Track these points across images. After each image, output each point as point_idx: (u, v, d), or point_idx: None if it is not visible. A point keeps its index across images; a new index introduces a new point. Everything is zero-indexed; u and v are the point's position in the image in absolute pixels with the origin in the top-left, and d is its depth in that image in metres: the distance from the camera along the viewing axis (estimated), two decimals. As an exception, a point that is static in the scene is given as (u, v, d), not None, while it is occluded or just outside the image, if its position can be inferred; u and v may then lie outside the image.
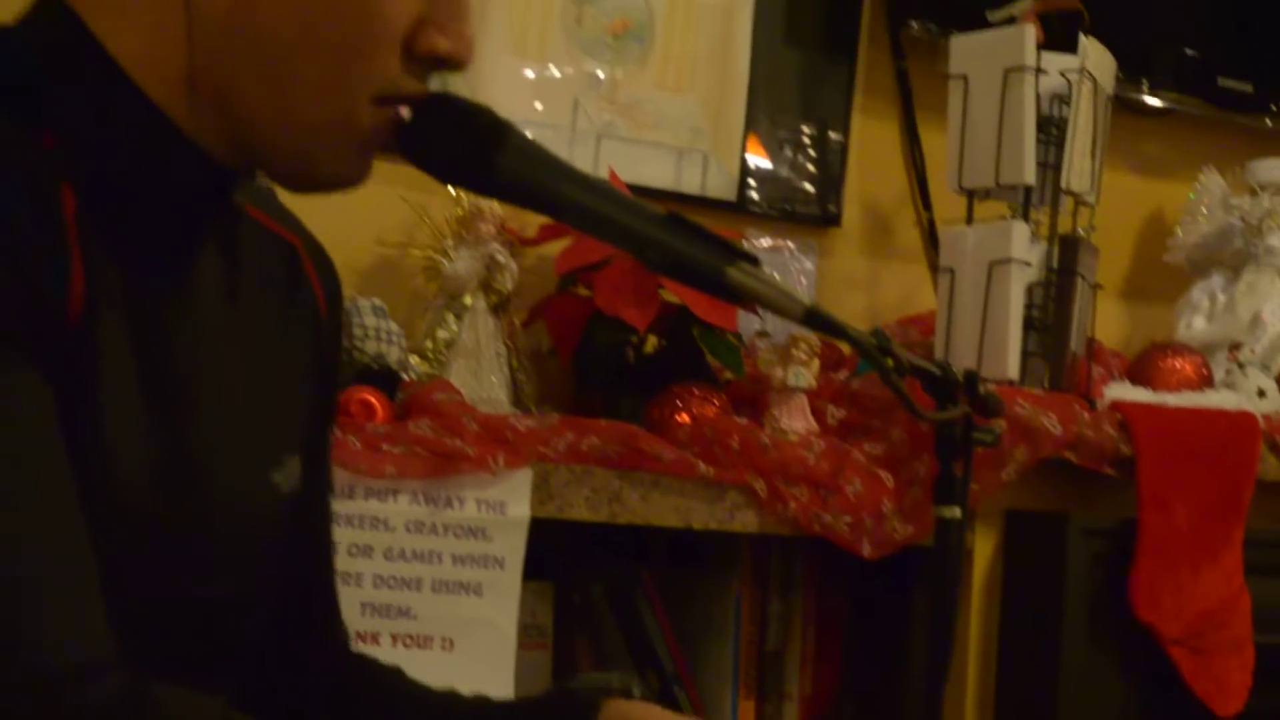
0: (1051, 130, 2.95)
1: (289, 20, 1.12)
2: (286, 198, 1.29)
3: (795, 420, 2.76)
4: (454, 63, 1.19)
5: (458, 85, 2.84)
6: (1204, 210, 3.44)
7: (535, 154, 1.20)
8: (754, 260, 1.19)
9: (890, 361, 1.29)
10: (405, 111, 1.17)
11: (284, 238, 1.37)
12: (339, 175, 1.19)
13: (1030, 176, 2.87)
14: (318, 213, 2.48)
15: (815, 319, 1.22)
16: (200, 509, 1.18)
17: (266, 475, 1.27)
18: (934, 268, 3.27)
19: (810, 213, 3.34)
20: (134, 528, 1.09)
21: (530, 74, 3.05)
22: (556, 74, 3.06)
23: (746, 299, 1.19)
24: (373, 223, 2.80)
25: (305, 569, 1.42)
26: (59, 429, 1.01)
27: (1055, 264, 2.95)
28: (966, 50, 2.96)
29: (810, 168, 3.34)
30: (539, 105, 3.04)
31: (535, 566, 2.52)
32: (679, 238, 1.18)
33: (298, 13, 1.12)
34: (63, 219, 1.05)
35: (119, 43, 1.13)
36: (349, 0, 1.12)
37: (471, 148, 1.18)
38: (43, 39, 1.14)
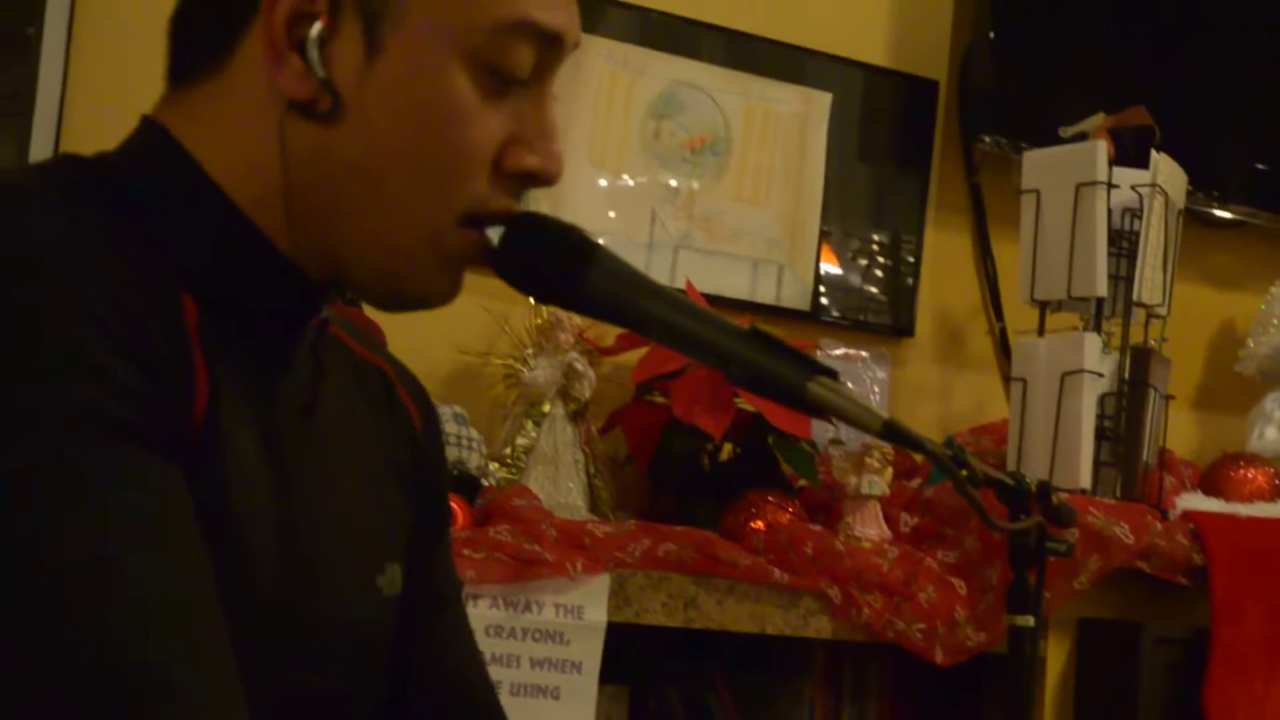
0: (1123, 243, 2.97)
1: (379, 147, 1.15)
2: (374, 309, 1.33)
3: (869, 527, 2.77)
4: (544, 180, 1.22)
5: (539, 196, 2.90)
6: (1275, 321, 3.44)
7: (622, 272, 1.22)
8: (833, 374, 1.21)
9: (965, 472, 1.30)
10: (494, 233, 1.20)
11: (373, 362, 1.41)
12: (429, 294, 1.22)
13: (1102, 289, 2.88)
14: (400, 322, 2.53)
15: (893, 432, 1.23)
16: (313, 608, 1.20)
17: (372, 579, 1.30)
18: (1006, 378, 3.28)
19: (884, 323, 3.36)
20: (256, 624, 1.12)
21: (609, 186, 3.09)
22: (635, 186, 3.11)
23: (826, 413, 1.20)
24: (454, 331, 2.84)
25: (466, 668, 1.44)
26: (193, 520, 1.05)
27: (1127, 375, 2.95)
28: (1039, 165, 2.99)
29: (884, 279, 3.37)
30: (617, 216, 3.09)
31: (612, 671, 2.52)
32: (761, 353, 1.19)
33: (388, 140, 1.15)
34: (185, 325, 1.08)
35: (216, 165, 1.17)
36: (438, 127, 1.16)
37: (560, 266, 1.21)
38: (146, 162, 1.18)
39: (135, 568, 0.99)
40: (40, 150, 2.64)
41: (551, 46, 1.21)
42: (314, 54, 1.14)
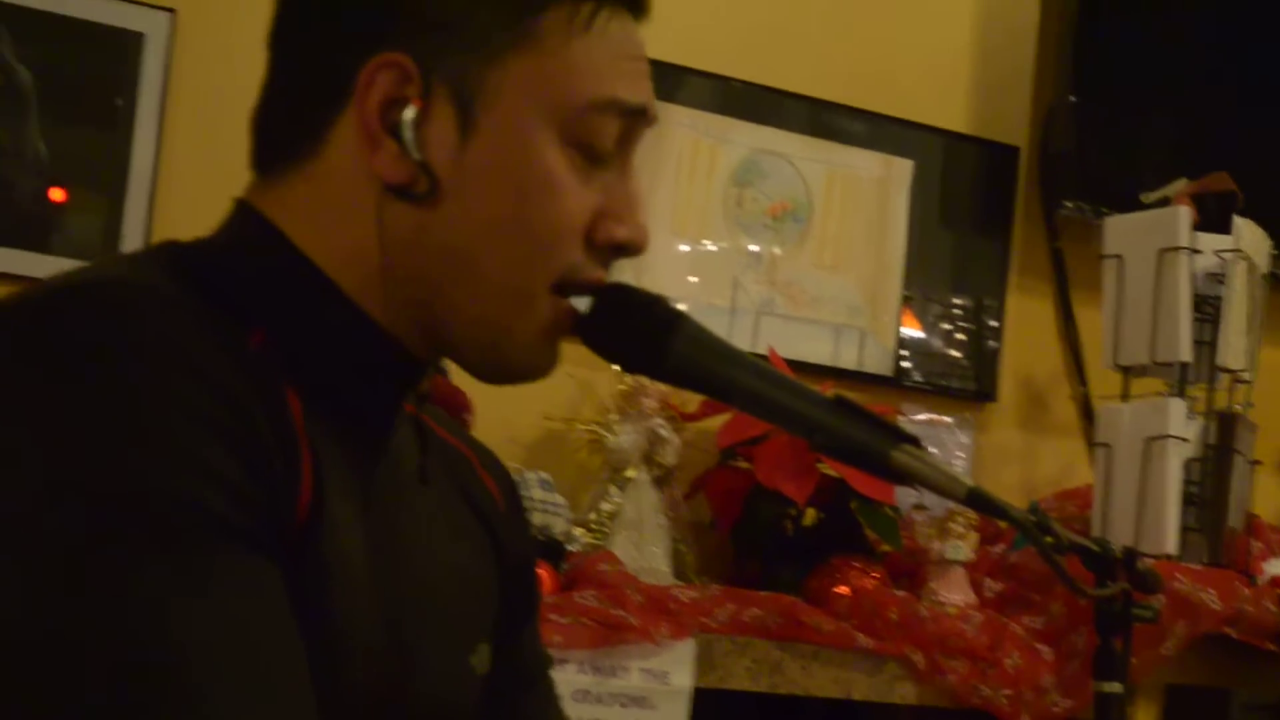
0: (1207, 308, 2.95)
1: (477, 225, 1.17)
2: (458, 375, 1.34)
3: (953, 593, 2.75)
4: (632, 250, 1.23)
5: (625, 264, 2.91)
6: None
7: (707, 341, 1.23)
8: (917, 442, 1.21)
9: (1049, 538, 1.29)
10: (580, 302, 1.22)
11: (453, 443, 1.42)
12: (529, 366, 1.23)
13: (1186, 354, 2.86)
14: (487, 389, 2.55)
15: (977, 500, 1.23)
16: (409, 693, 1.21)
17: (465, 660, 1.31)
18: (1090, 443, 3.26)
19: (966, 388, 3.35)
20: (351, 710, 1.13)
21: (692, 251, 3.10)
22: (717, 252, 3.12)
23: (910, 481, 1.20)
24: (539, 398, 2.85)
25: None
26: (292, 619, 1.06)
27: (1213, 440, 2.93)
28: (1121, 231, 2.98)
29: (966, 343, 3.36)
30: (700, 282, 3.10)
31: (696, 736, 2.52)
32: (845, 421, 1.19)
33: (486, 217, 1.17)
34: (292, 422, 1.10)
35: (316, 248, 1.18)
36: (534, 202, 1.17)
37: (646, 337, 1.22)
38: (244, 246, 1.20)
39: (233, 669, 1.00)
40: (133, 221, 2.68)
41: (635, 122, 1.23)
42: (409, 137, 1.16)
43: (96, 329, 1.03)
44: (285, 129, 1.21)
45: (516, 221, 1.17)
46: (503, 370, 1.24)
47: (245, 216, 1.21)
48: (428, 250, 1.17)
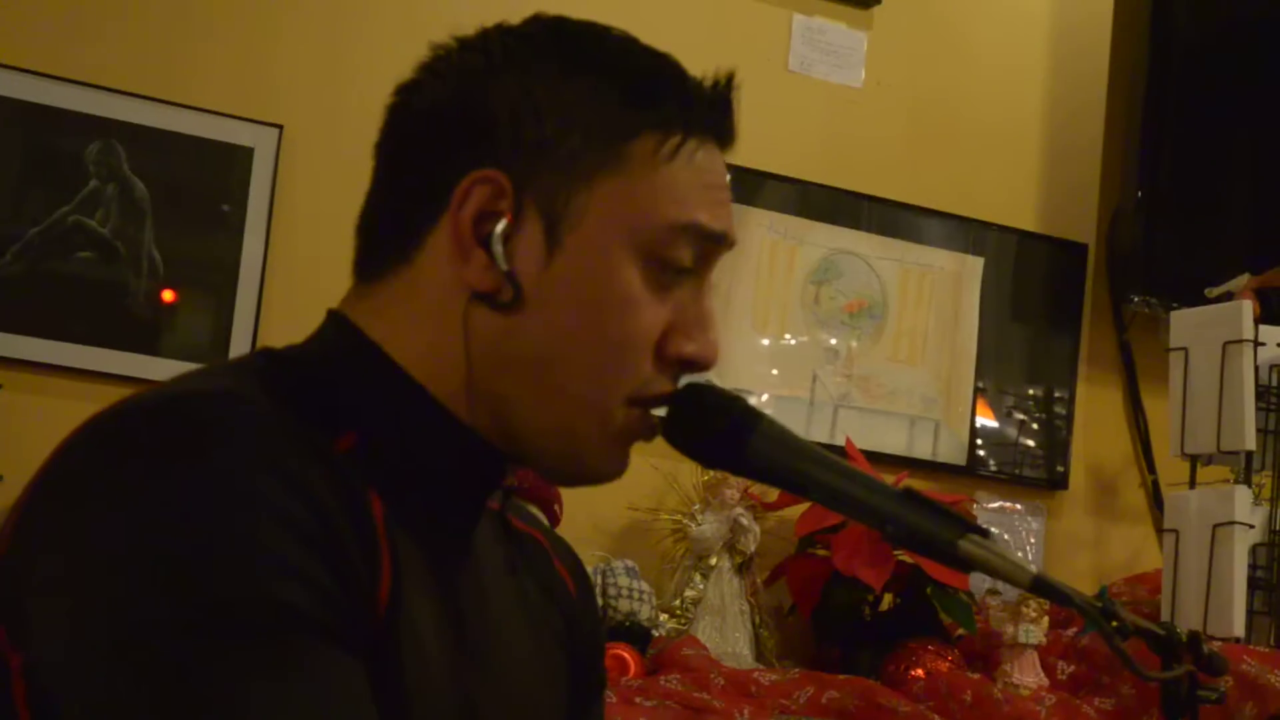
0: (1270, 398, 2.95)
1: (557, 334, 1.19)
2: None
3: (1026, 675, 2.75)
4: (700, 365, 1.25)
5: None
6: None
7: (783, 439, 1.24)
8: (984, 532, 1.22)
9: (1114, 623, 1.30)
10: (657, 412, 1.24)
11: (530, 533, 1.45)
12: (601, 471, 1.25)
13: (1251, 443, 2.86)
14: (576, 479, 2.59)
15: (1042, 586, 1.23)
16: None
17: None
18: (1159, 529, 3.25)
19: (1038, 476, 3.36)
20: None
21: (771, 346, 3.14)
22: (796, 347, 3.15)
23: (977, 568, 1.22)
24: (625, 489, 2.85)
25: None
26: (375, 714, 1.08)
27: (1278, 526, 2.92)
28: (1187, 324, 2.98)
29: (1038, 433, 3.37)
30: (779, 375, 3.12)
31: (778, 815, 2.52)
32: (914, 512, 1.21)
33: (565, 327, 1.19)
34: (373, 523, 1.12)
35: (404, 353, 1.21)
36: (610, 316, 1.20)
37: (727, 436, 1.24)
38: (336, 353, 1.23)
39: None
40: (241, 323, 2.74)
41: (713, 245, 1.25)
42: (499, 249, 1.19)
43: (192, 438, 1.06)
44: (385, 234, 1.25)
45: (593, 333, 1.20)
46: (574, 474, 1.27)
47: (338, 326, 1.25)
48: (509, 356, 1.20)
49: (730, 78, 1.27)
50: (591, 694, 1.47)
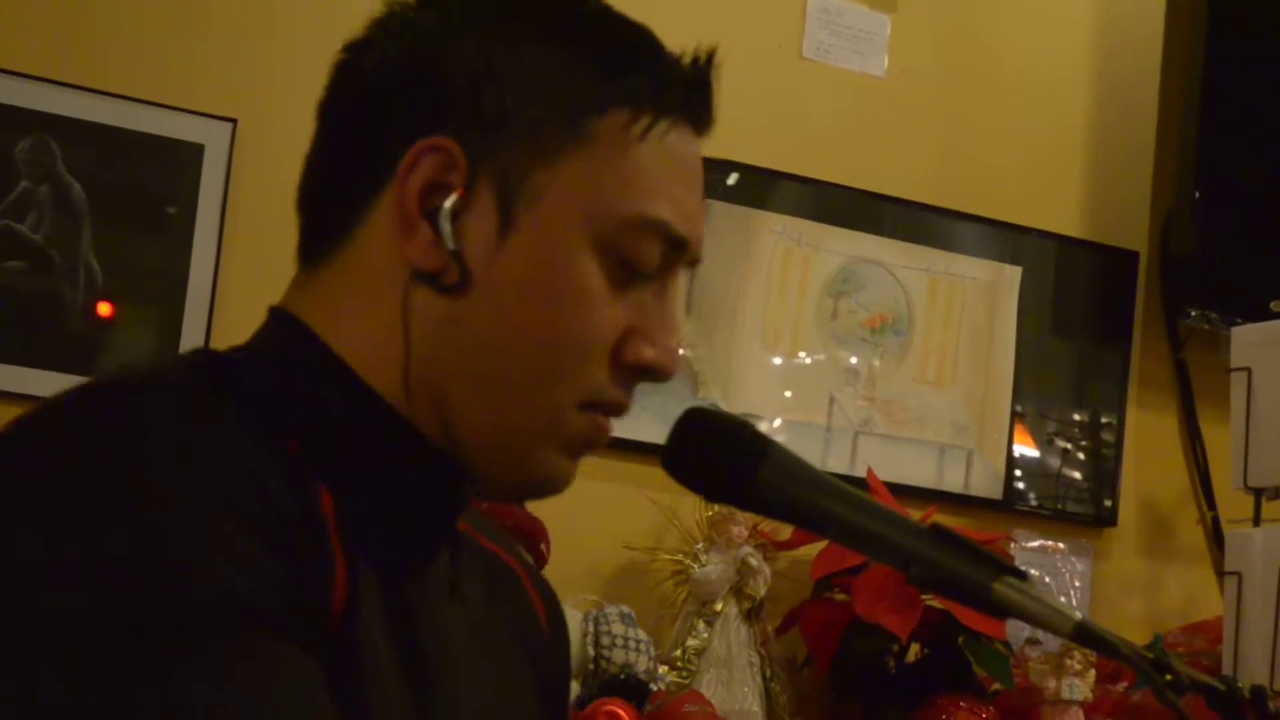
0: (1344, 424, 2.96)
1: (504, 324, 1.21)
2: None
3: (1071, 736, 2.75)
4: (657, 375, 1.26)
5: (712, 380, 2.96)
6: None
7: (796, 469, 1.25)
8: (1022, 574, 1.23)
9: (1168, 677, 1.30)
10: (605, 421, 1.26)
11: (499, 554, 1.46)
12: (545, 479, 1.27)
13: (1322, 474, 2.87)
14: (564, 515, 2.59)
15: (1087, 635, 1.23)
16: None
17: None
18: (1219, 571, 3.25)
19: (1083, 511, 3.36)
20: None
21: (784, 365, 3.14)
22: (811, 366, 3.15)
23: (1014, 615, 1.22)
24: (620, 526, 2.87)
25: None
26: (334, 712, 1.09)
27: (1353, 567, 2.92)
28: (1250, 341, 2.99)
29: (1083, 463, 3.37)
30: (793, 398, 3.13)
31: None
32: (944, 552, 1.21)
33: (514, 317, 1.21)
34: (323, 517, 1.13)
35: (346, 344, 1.23)
36: (564, 310, 1.21)
37: (732, 466, 1.24)
38: (278, 354, 1.25)
39: None
40: (191, 338, 2.75)
41: (677, 251, 1.26)
42: (446, 225, 1.21)
43: (134, 424, 1.08)
44: (326, 207, 1.27)
45: (544, 327, 1.22)
46: (516, 482, 1.28)
47: (280, 322, 1.27)
48: (451, 344, 1.22)
49: (711, 55, 1.28)
50: None
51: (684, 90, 1.26)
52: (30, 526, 1.05)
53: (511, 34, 1.23)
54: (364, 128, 1.26)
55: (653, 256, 1.25)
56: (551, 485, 1.28)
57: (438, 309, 1.22)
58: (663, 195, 1.24)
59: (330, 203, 1.27)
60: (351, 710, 1.13)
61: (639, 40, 1.27)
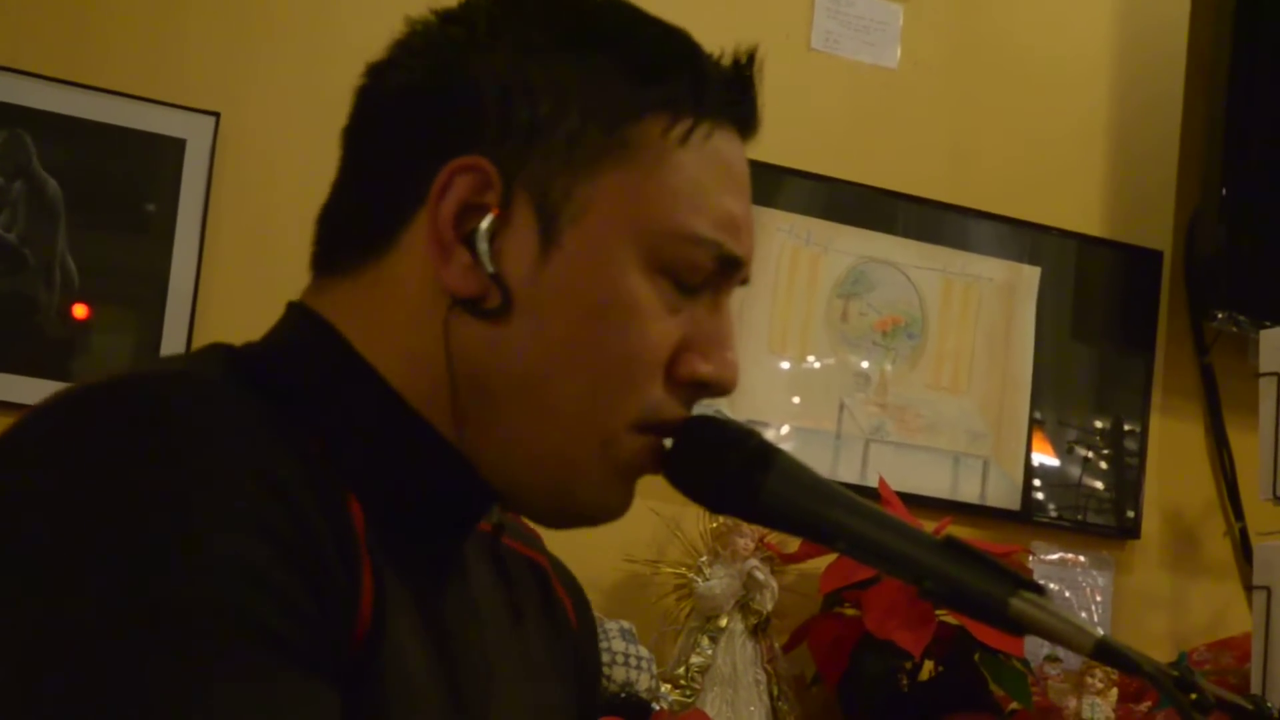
0: (1377, 431, 2.96)
1: (551, 347, 1.20)
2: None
3: (1092, 758, 2.76)
4: (717, 389, 1.26)
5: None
6: None
7: (805, 479, 1.25)
8: (1039, 589, 1.23)
9: (1193, 695, 1.30)
10: (667, 441, 1.25)
11: (530, 557, 1.46)
12: (599, 508, 1.26)
13: (1354, 484, 2.87)
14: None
15: (1109, 652, 1.23)
16: None
17: None
18: (1247, 585, 3.26)
19: (1105, 523, 3.36)
20: None
21: (793, 369, 3.14)
22: (820, 371, 3.15)
23: (1032, 631, 1.22)
24: (621, 538, 2.88)
25: None
26: None
27: (1387, 582, 2.92)
28: (1279, 345, 2.99)
29: (1105, 472, 3.37)
30: (802, 404, 3.13)
31: None
32: (959, 566, 1.21)
33: (561, 339, 1.20)
34: (353, 527, 1.13)
35: (377, 354, 1.22)
36: (615, 328, 1.21)
37: (737, 475, 1.24)
38: (301, 350, 1.24)
39: None
40: (172, 337, 2.75)
41: (729, 270, 1.26)
42: (484, 248, 1.20)
43: (155, 426, 1.07)
44: (353, 230, 1.26)
45: (594, 346, 1.21)
46: (567, 511, 1.27)
47: (306, 320, 1.26)
48: (497, 372, 1.21)
49: (752, 55, 1.29)
50: None
51: (724, 91, 1.27)
52: (47, 532, 1.03)
53: (541, 44, 1.23)
54: (391, 151, 1.25)
55: (704, 270, 1.24)
56: (605, 513, 1.28)
57: (479, 336, 1.21)
58: (709, 205, 1.24)
59: (359, 228, 1.26)
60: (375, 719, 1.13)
61: (675, 42, 1.27)
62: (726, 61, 1.28)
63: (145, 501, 1.04)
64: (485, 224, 1.20)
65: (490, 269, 1.20)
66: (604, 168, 1.21)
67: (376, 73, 1.27)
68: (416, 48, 1.26)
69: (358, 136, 1.28)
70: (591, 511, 1.27)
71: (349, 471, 1.16)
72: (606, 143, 1.21)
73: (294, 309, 1.27)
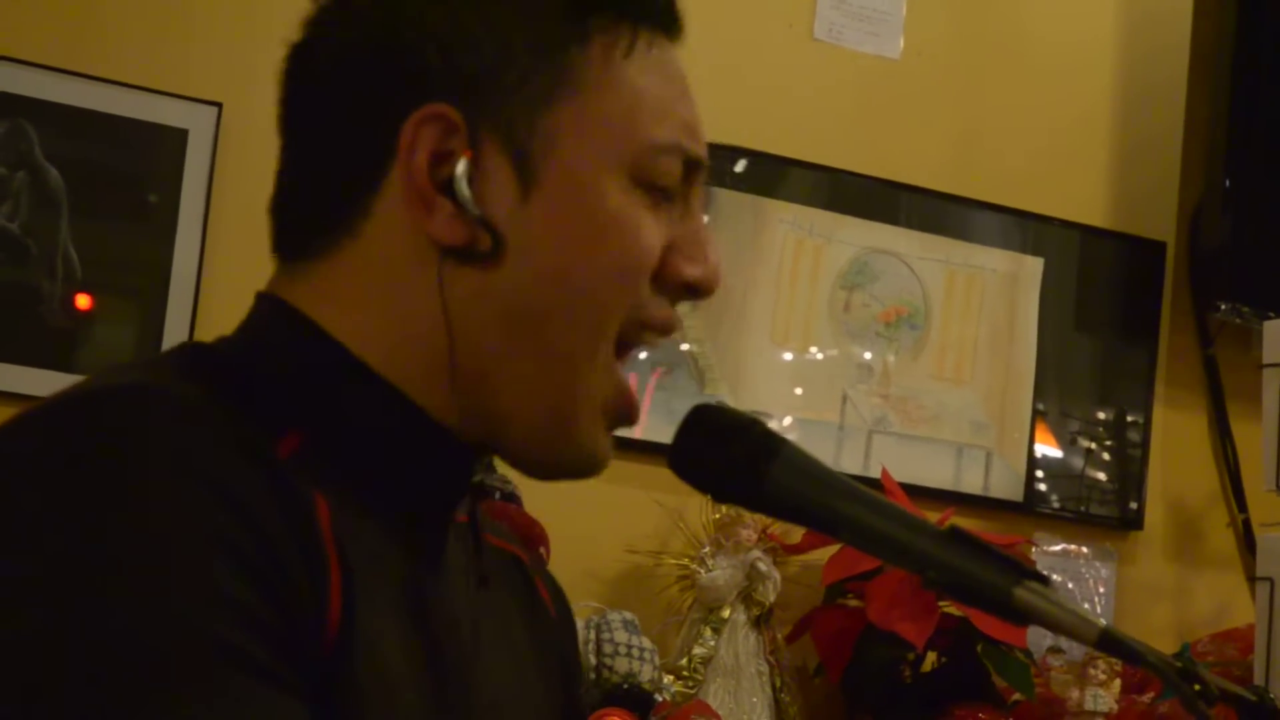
0: (1381, 423, 2.96)
1: (544, 280, 1.22)
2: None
3: (1094, 749, 2.76)
4: (703, 290, 1.28)
5: (719, 376, 2.95)
6: None
7: (808, 469, 1.25)
8: (1043, 579, 1.23)
9: (1196, 687, 1.30)
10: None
11: (506, 549, 1.47)
12: (587, 455, 1.27)
13: (1358, 475, 2.87)
14: (565, 518, 2.59)
15: (1111, 643, 1.23)
16: None
17: None
18: (1251, 577, 3.25)
19: (1108, 514, 3.36)
20: None
21: (795, 361, 3.14)
22: (823, 362, 3.15)
23: (1035, 622, 1.22)
24: (623, 528, 2.87)
25: None
26: None
27: (1391, 573, 2.92)
28: (1282, 335, 2.99)
29: (1108, 464, 3.37)
30: (804, 395, 3.13)
31: None
32: (962, 556, 1.21)
33: (555, 265, 1.22)
34: (318, 532, 1.12)
35: (355, 338, 1.22)
36: (606, 245, 1.23)
37: (741, 465, 1.24)
38: (273, 341, 1.24)
39: None
40: (175, 328, 2.75)
41: (693, 172, 1.28)
42: (465, 190, 1.21)
43: (104, 444, 1.06)
44: (316, 211, 1.26)
45: (589, 266, 1.23)
46: (558, 457, 1.28)
47: (274, 309, 1.26)
48: (491, 316, 1.22)
49: None
50: None
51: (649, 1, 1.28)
52: (9, 547, 1.03)
53: None
54: (340, 123, 1.26)
55: (675, 175, 1.26)
56: (593, 462, 1.28)
57: (473, 283, 1.22)
58: (668, 113, 1.26)
59: (321, 207, 1.26)
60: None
61: None
62: None
63: (98, 525, 1.03)
64: (461, 168, 1.21)
65: (475, 211, 1.20)
66: (560, 97, 1.23)
67: (303, 52, 1.29)
68: (338, 20, 1.28)
69: (298, 118, 1.29)
70: (581, 457, 1.28)
71: (323, 466, 1.16)
72: (557, 74, 1.23)
73: (261, 300, 1.27)
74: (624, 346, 1.26)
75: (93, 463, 1.05)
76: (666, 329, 1.28)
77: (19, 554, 1.02)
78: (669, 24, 1.29)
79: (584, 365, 1.24)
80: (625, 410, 1.28)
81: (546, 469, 1.29)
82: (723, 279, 1.31)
